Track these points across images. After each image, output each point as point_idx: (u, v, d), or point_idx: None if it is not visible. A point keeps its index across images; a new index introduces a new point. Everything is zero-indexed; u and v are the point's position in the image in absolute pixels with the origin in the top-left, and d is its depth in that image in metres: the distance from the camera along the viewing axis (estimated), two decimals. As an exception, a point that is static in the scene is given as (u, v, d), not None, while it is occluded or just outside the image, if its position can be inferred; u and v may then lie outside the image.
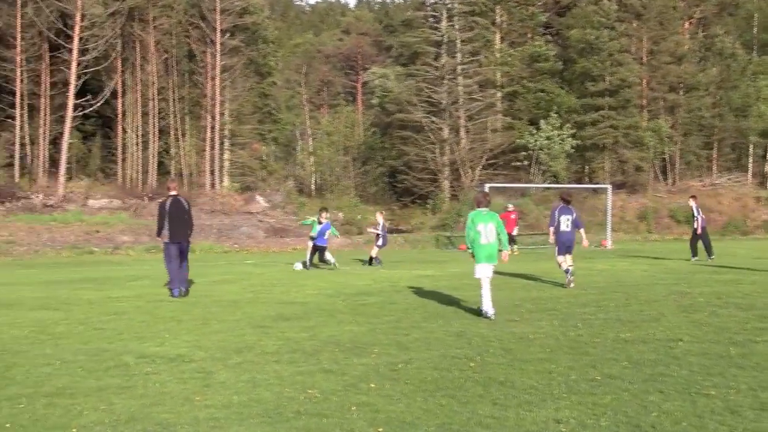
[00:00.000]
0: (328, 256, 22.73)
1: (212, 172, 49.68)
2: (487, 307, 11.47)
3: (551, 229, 16.05)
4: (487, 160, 50.77)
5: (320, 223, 22.34)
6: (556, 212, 15.99)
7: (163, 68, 51.60)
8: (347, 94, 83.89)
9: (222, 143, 50.79)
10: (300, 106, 75.26)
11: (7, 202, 39.97)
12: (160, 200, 15.70)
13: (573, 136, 49.21)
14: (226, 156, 51.51)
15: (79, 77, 44.09)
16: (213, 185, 49.35)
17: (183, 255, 14.95)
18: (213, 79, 49.28)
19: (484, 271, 11.67)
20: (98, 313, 12.34)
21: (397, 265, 23.87)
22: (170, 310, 12.73)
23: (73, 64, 43.40)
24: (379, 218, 25.04)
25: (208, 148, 49.61)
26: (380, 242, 24.27)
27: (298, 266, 22.16)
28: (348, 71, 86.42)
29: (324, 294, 14.89)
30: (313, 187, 64.21)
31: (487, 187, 34.46)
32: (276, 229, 41.04)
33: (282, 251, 34.48)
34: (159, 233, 14.85)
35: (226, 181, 50.55)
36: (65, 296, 14.87)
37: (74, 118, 44.40)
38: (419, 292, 15.00)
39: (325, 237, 22.40)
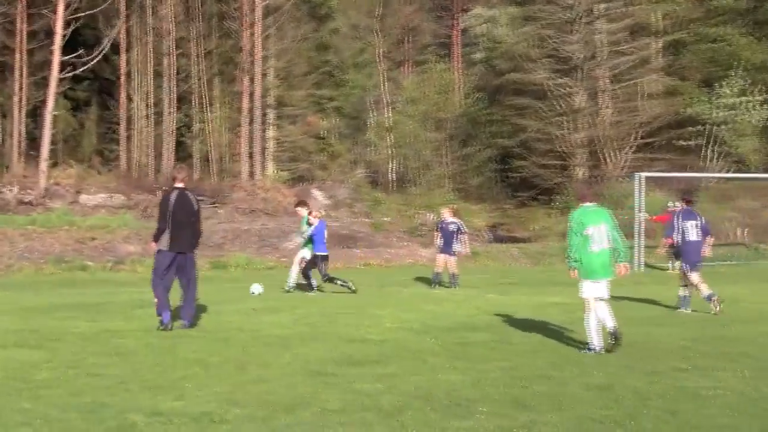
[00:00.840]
0: (294, 272, 22.81)
1: (251, 156, 50.10)
2: (596, 342, 11.99)
3: (667, 240, 17.51)
4: (640, 138, 50.21)
5: (309, 224, 22.31)
6: (679, 218, 17.10)
7: (183, 11, 52.27)
8: (439, 45, 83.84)
9: (264, 115, 51.25)
10: (373, 64, 75.57)
11: (-30, 198, 40.94)
12: (163, 194, 15.76)
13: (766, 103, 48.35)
14: (270, 134, 52.05)
15: (67, 24, 44.41)
16: (252, 174, 49.75)
17: (186, 271, 15.09)
18: (252, 25, 49.72)
19: (597, 290, 11.75)
20: (94, 353, 12.52)
21: (511, 288, 23.76)
22: (193, 349, 12.85)
23: (60, 7, 43.90)
24: (446, 215, 25.14)
25: (244, 123, 50.03)
26: (444, 243, 24.54)
27: (257, 289, 22.15)
28: (440, 14, 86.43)
29: (408, 328, 14.90)
30: (391, 176, 64.26)
31: (640, 176, 34.08)
32: (341, 236, 41.09)
33: (349, 267, 34.58)
34: (157, 237, 14.90)
35: (271, 169, 51.01)
36: (49, 329, 15.11)
37: (61, 80, 44.88)
38: (544, 327, 14.97)
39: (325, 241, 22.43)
